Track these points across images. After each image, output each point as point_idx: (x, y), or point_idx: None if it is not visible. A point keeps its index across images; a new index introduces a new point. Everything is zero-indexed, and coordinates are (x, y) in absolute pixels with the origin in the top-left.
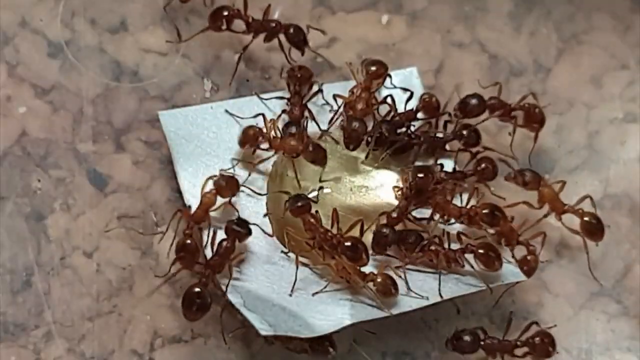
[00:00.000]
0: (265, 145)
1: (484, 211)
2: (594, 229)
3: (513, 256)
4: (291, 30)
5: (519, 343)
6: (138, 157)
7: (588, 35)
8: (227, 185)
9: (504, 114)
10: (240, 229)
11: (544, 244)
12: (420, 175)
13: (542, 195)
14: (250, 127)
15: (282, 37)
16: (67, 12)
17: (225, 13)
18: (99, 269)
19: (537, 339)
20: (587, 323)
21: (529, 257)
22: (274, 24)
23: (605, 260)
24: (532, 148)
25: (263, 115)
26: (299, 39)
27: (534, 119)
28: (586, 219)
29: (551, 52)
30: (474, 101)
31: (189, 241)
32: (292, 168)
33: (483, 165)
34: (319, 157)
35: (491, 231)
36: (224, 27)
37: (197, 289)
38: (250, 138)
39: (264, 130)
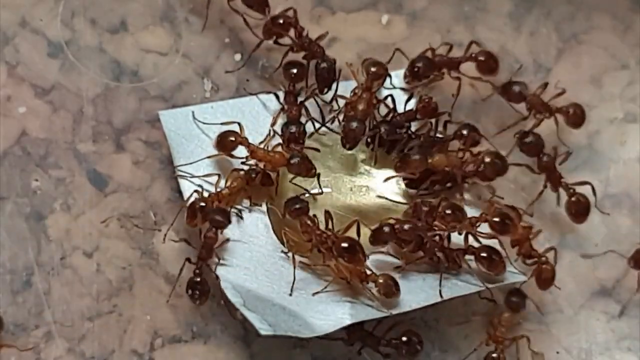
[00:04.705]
0: (245, 153)
1: (494, 219)
2: (498, 168)
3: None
4: (323, 65)
5: (384, 342)
6: (138, 157)
7: (588, 35)
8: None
9: (452, 67)
10: (220, 218)
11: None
12: (449, 212)
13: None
14: (228, 133)
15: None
16: (67, 12)
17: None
18: (99, 269)
19: (404, 338)
20: (587, 323)
21: (543, 267)
22: (316, 48)
23: (605, 260)
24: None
25: (239, 124)
26: (325, 77)
27: (487, 68)
28: (488, 159)
29: (551, 52)
30: (420, 63)
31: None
32: (276, 178)
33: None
34: (302, 170)
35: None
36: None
37: (196, 279)
38: (224, 145)
39: (246, 138)
